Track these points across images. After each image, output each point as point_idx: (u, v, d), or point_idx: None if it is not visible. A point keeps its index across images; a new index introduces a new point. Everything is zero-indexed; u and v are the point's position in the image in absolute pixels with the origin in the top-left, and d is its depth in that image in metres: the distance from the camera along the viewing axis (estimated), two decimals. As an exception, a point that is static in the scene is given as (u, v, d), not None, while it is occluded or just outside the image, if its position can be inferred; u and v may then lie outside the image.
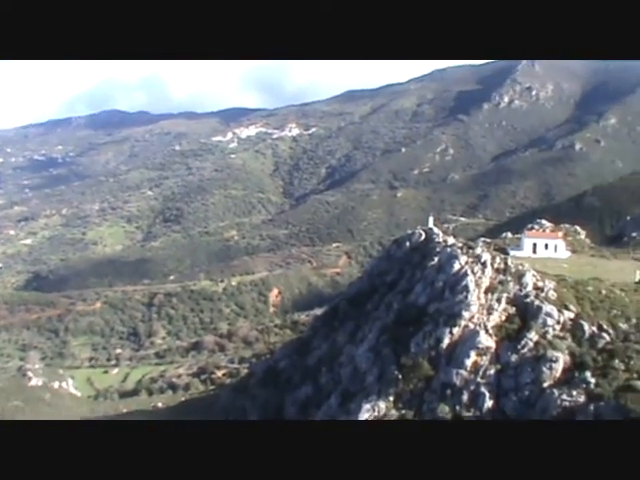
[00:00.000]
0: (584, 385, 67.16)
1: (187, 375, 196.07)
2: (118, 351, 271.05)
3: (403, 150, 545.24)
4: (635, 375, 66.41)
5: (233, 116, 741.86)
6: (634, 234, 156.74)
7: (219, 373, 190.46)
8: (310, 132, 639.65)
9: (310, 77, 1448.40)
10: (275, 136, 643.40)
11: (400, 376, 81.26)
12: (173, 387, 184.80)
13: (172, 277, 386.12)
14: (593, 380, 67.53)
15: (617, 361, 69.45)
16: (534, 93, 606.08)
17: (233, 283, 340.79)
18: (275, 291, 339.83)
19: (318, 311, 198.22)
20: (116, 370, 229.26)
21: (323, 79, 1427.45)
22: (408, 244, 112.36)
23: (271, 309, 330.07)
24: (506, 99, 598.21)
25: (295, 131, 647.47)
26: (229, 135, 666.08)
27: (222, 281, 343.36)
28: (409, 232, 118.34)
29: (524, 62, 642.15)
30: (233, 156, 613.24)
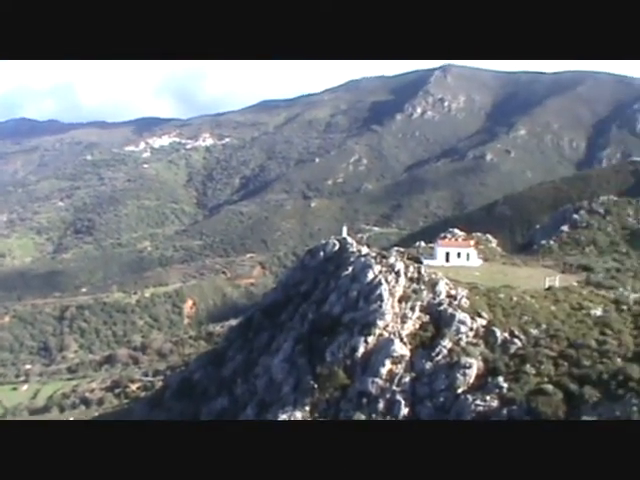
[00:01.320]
0: (497, 390, 68.27)
1: (100, 389, 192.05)
2: (28, 367, 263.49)
3: (317, 160, 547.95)
4: (546, 379, 67.77)
5: (146, 126, 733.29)
6: (543, 242, 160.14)
7: (133, 387, 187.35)
8: (224, 142, 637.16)
9: (224, 87, 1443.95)
10: (189, 146, 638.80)
11: (316, 386, 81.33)
12: (86, 402, 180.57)
13: (84, 289, 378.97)
14: (506, 385, 68.67)
15: (528, 366, 70.81)
16: (446, 104, 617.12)
17: (146, 295, 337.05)
18: (189, 302, 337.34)
19: (233, 322, 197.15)
20: (26, 386, 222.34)
21: (237, 89, 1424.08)
22: (322, 254, 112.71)
23: (185, 320, 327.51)
24: (419, 110, 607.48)
25: (209, 141, 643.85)
26: (142, 145, 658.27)
27: (135, 293, 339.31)
28: (323, 242, 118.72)
29: (436, 73, 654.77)
30: (146, 166, 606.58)
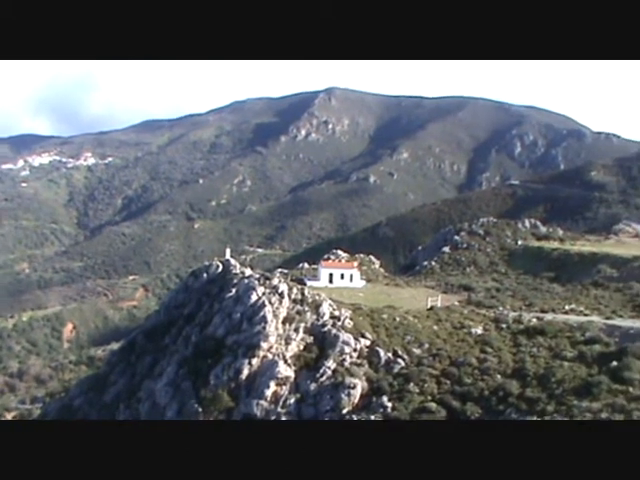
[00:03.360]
0: (381, 409, 68.52)
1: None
2: None
3: (201, 181, 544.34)
4: (429, 397, 68.46)
5: (24, 143, 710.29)
6: (425, 263, 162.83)
7: (9, 416, 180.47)
8: (106, 162, 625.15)
9: (107, 105, 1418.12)
10: (70, 165, 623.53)
11: (200, 409, 79.99)
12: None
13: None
14: (390, 404, 69.01)
15: (412, 385, 71.44)
16: (330, 127, 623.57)
17: (24, 318, 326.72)
18: (69, 326, 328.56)
19: (115, 346, 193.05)
20: None
21: (120, 108, 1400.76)
22: (205, 276, 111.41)
23: (65, 345, 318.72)
24: (303, 132, 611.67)
25: (91, 160, 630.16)
26: (20, 163, 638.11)
27: (12, 317, 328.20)
28: (206, 264, 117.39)
29: (321, 96, 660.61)
30: (24, 185, 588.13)
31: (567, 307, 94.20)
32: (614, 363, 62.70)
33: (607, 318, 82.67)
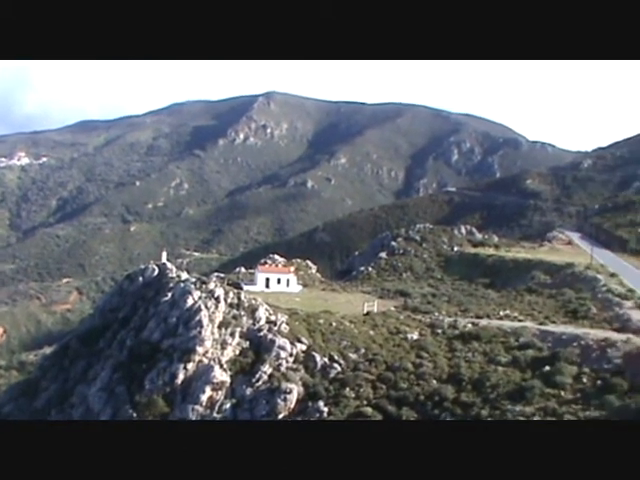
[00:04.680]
0: (317, 414, 68.54)
1: None
2: None
3: (137, 184, 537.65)
4: (365, 402, 68.70)
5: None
6: (362, 268, 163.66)
7: None
8: (40, 162, 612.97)
9: (42, 104, 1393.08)
10: (2, 164, 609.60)
11: (135, 414, 79.05)
12: None
13: None
14: (326, 409, 69.08)
15: (348, 390, 71.64)
16: (269, 131, 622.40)
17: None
18: (0, 330, 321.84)
19: (47, 350, 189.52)
20: None
21: (55, 107, 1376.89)
22: (141, 279, 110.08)
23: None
24: (241, 136, 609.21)
25: (24, 160, 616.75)
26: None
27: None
28: (142, 267, 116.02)
29: (260, 100, 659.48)
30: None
31: (502, 313, 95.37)
32: (547, 368, 63.64)
33: (540, 324, 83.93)
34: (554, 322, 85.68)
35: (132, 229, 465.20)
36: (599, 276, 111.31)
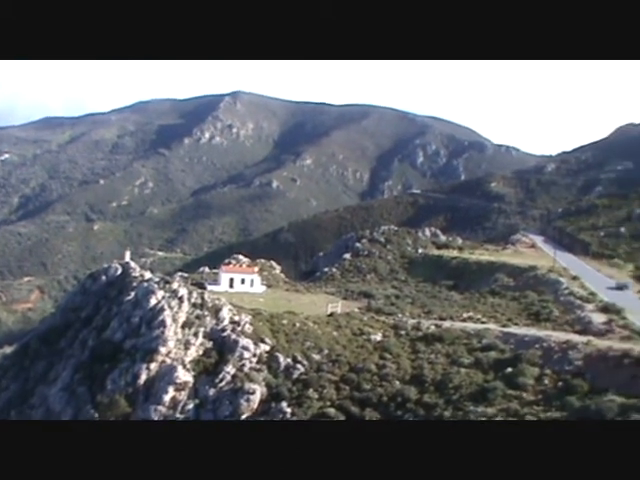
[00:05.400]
0: (281, 415, 68.47)
1: None
2: None
3: (101, 182, 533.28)
4: (328, 403, 68.74)
5: None
6: (326, 269, 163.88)
7: None
8: (3, 158, 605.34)
9: (4, 100, 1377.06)
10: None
11: (96, 415, 78.38)
12: None
13: None
14: (289, 410, 69.05)
15: (311, 390, 71.64)
16: (235, 131, 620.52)
17: None
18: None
19: (7, 349, 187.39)
20: None
21: (19, 103, 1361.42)
22: (104, 278, 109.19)
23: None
24: (207, 135, 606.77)
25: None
26: None
27: None
28: (105, 266, 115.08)
29: (226, 99, 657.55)
30: None
31: (465, 315, 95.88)
32: (509, 369, 64.07)
33: (503, 326, 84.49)
34: (517, 324, 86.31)
35: (95, 228, 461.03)
36: (561, 279, 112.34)
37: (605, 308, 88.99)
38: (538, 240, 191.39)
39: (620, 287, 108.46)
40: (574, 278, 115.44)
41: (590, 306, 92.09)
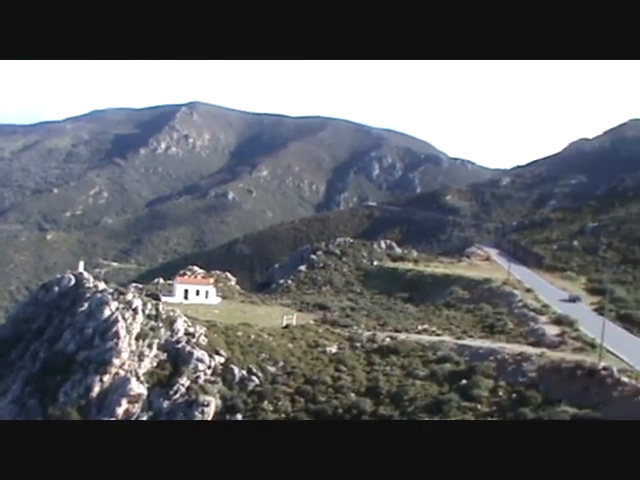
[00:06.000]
0: (234, 429, 68.13)
1: None
2: None
3: (55, 191, 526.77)
4: (283, 415, 68.64)
5: None
6: (281, 281, 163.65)
7: None
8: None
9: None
10: None
11: (46, 428, 77.25)
12: None
13: None
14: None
15: (266, 402, 71.50)
16: (191, 141, 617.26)
17: None
18: None
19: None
20: None
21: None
22: (57, 289, 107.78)
23: None
24: (163, 145, 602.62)
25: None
26: None
27: None
28: (58, 276, 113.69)
29: (183, 110, 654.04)
30: None
31: (420, 327, 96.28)
32: (464, 381, 64.41)
33: (458, 338, 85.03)
34: (471, 336, 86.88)
35: (49, 237, 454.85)
36: (515, 291, 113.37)
37: (558, 320, 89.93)
38: (493, 253, 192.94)
39: (573, 299, 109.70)
40: (528, 290, 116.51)
41: (543, 318, 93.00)
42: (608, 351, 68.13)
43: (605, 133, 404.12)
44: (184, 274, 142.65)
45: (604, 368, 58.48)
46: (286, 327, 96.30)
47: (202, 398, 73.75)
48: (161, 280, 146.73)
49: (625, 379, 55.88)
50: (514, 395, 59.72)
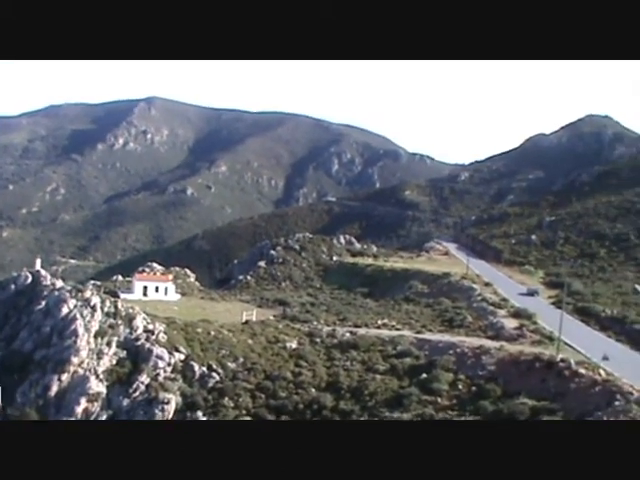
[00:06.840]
0: (195, 426, 67.93)
1: None
2: None
3: (11, 187, 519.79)
4: (244, 411, 68.61)
5: None
6: (241, 277, 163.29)
7: None
8: None
9: None
10: None
11: (3, 428, 76.33)
12: None
13: None
14: (205, 419, 68.60)
15: (227, 399, 71.38)
16: (149, 137, 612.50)
17: None
18: None
19: None
20: None
21: None
22: (13, 287, 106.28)
23: None
24: (121, 141, 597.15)
25: None
26: None
27: None
28: (14, 274, 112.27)
29: (141, 105, 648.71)
30: None
31: (380, 322, 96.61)
32: (424, 375, 64.86)
33: (418, 332, 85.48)
34: (431, 330, 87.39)
35: (4, 235, 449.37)
36: (474, 286, 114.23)
37: (517, 314, 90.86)
38: (451, 247, 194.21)
39: (531, 293, 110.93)
40: (487, 285, 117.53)
41: (502, 312, 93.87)
42: (566, 344, 69.05)
43: (562, 128, 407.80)
44: (143, 271, 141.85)
45: (562, 360, 59.24)
46: (246, 323, 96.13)
47: (162, 396, 73.41)
48: (120, 277, 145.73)
49: (582, 371, 56.66)
50: (474, 388, 60.27)
